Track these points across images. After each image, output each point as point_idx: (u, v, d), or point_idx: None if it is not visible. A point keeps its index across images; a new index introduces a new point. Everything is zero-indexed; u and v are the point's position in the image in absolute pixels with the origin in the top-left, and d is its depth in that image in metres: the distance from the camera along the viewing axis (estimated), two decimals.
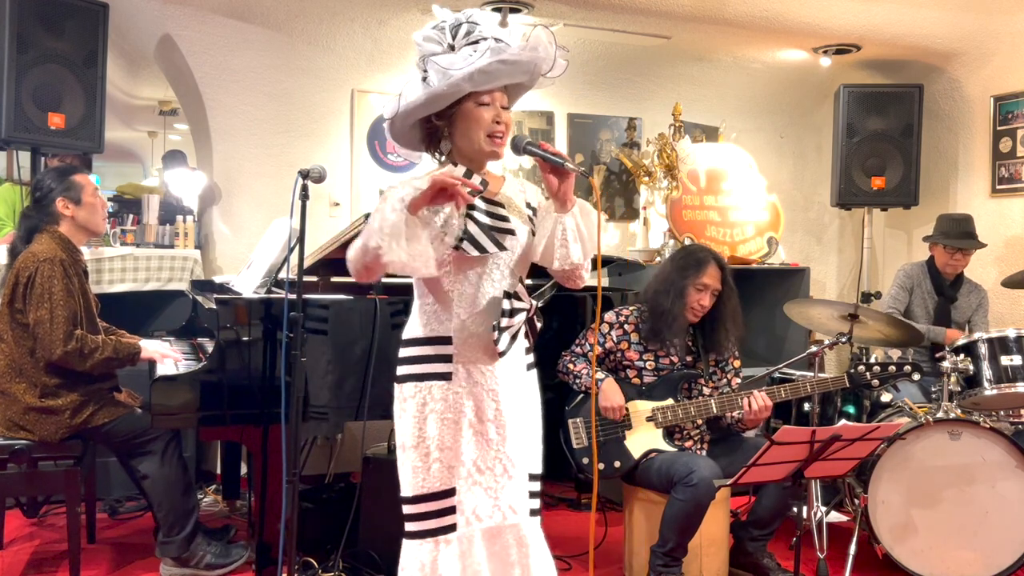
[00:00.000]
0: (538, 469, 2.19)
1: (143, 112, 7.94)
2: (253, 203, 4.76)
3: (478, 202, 2.06)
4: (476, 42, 1.99)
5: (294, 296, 2.57)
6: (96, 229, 3.35)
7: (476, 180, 2.06)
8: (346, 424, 3.27)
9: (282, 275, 3.16)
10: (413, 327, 2.13)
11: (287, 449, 2.56)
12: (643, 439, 3.20)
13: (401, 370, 2.12)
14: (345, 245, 3.12)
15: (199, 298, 3.75)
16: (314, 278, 3.64)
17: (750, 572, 3.31)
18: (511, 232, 2.09)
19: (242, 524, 3.77)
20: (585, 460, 3.21)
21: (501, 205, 2.11)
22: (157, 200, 4.89)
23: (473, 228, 2.03)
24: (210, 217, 4.82)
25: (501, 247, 2.06)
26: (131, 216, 5.48)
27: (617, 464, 3.20)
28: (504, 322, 2.05)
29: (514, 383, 2.15)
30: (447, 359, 2.08)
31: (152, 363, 3.29)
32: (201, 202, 4.98)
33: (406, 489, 2.09)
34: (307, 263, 2.90)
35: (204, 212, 4.93)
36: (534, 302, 2.19)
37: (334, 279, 3.73)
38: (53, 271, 3.07)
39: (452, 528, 2.05)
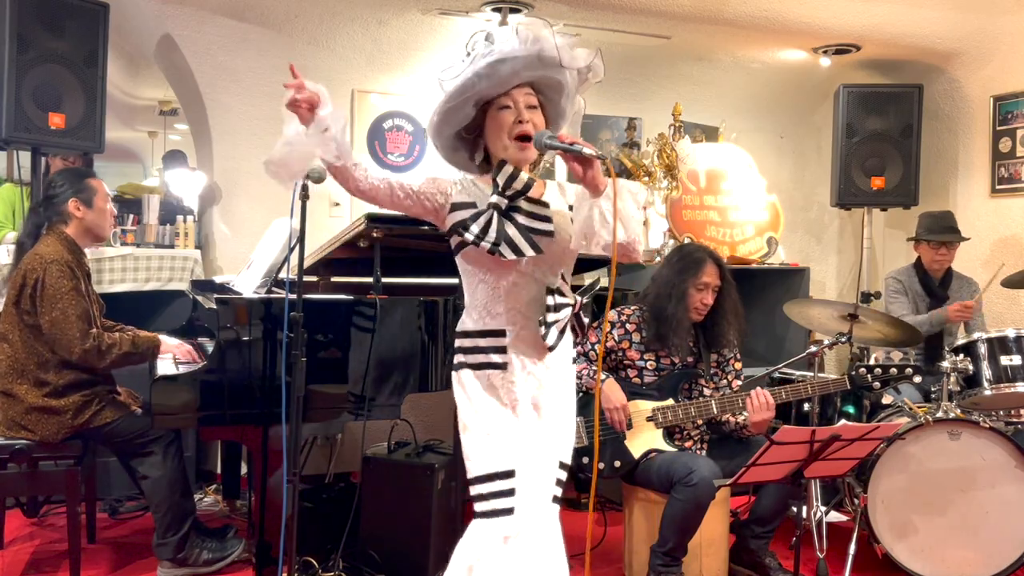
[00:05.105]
0: (568, 459, 2.23)
1: (143, 112, 7.96)
2: (253, 203, 4.76)
3: (520, 203, 2.10)
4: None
5: (294, 296, 2.57)
6: (102, 234, 3.36)
7: (524, 178, 2.09)
8: (346, 424, 3.27)
9: (282, 275, 3.16)
10: (467, 320, 2.20)
11: (287, 449, 2.56)
12: (643, 439, 3.20)
13: (457, 359, 2.21)
14: (345, 245, 3.15)
15: (199, 298, 3.75)
16: (314, 278, 3.64)
17: (751, 571, 3.31)
18: (549, 234, 2.11)
19: (242, 524, 3.77)
20: (585, 460, 3.21)
21: (546, 205, 2.14)
22: (157, 200, 4.89)
23: (512, 231, 2.06)
24: (210, 217, 4.82)
25: (538, 250, 2.08)
26: (131, 216, 5.47)
27: (617, 464, 3.20)
28: (550, 317, 2.11)
29: (559, 375, 2.21)
30: (502, 350, 2.15)
31: (152, 363, 3.29)
32: (201, 202, 4.98)
33: (472, 470, 2.14)
34: (307, 263, 2.90)
35: (204, 212, 4.93)
36: (579, 298, 2.22)
37: (334, 279, 3.73)
38: (61, 272, 3.08)
39: (510, 511, 2.08)
